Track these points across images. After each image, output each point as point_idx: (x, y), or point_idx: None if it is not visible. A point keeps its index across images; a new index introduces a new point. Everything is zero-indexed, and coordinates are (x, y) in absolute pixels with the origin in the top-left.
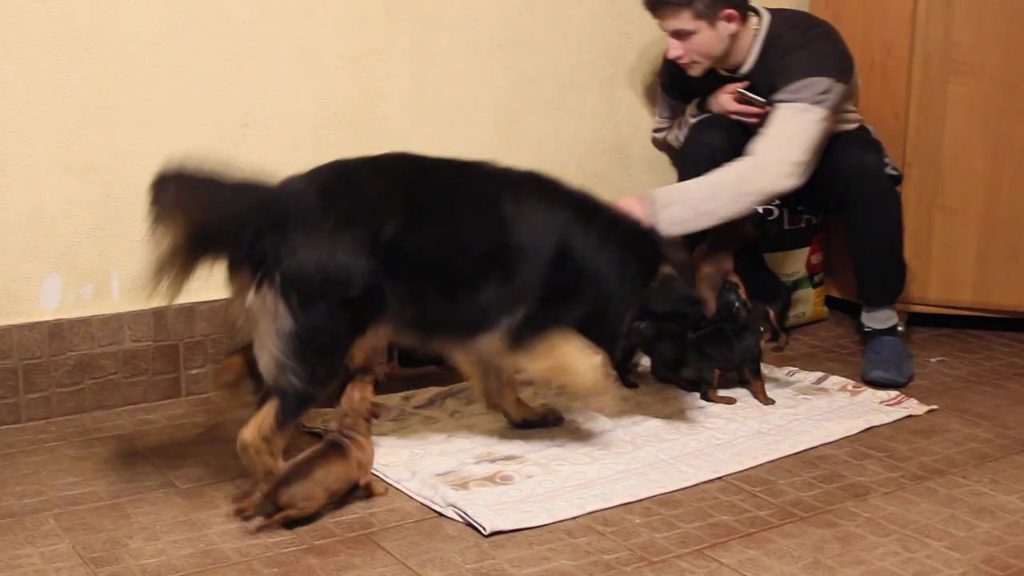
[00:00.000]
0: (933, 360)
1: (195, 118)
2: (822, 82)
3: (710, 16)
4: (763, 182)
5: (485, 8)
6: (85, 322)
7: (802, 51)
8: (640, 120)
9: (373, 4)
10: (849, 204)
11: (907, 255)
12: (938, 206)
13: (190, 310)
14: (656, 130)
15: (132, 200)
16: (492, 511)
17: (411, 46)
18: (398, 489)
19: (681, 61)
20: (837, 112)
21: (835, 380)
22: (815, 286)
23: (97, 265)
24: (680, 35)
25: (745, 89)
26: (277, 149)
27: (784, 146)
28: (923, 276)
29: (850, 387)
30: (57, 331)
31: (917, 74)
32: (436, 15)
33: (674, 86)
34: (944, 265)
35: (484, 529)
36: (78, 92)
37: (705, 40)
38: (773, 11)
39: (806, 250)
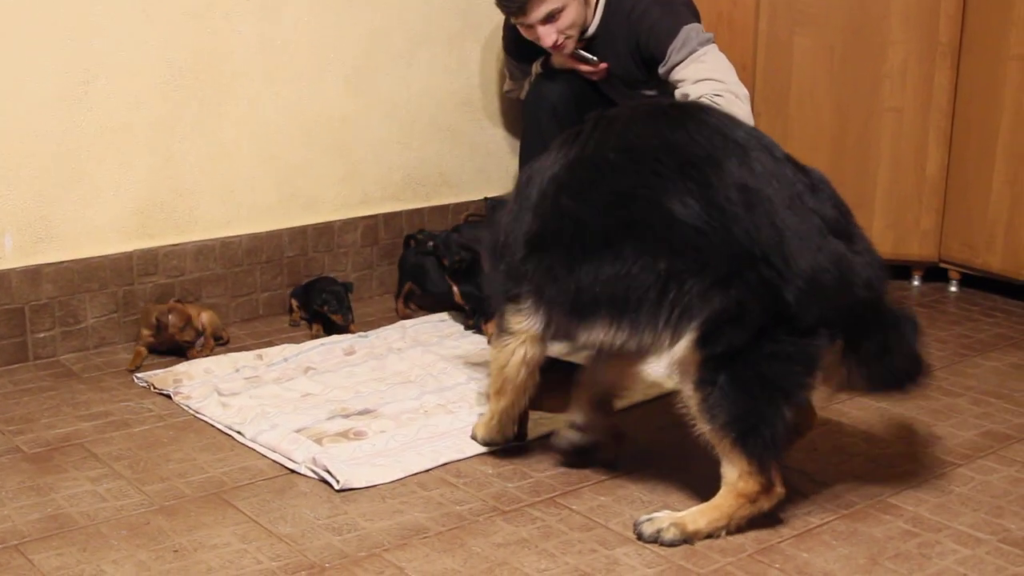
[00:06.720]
0: None
1: (34, 75)
2: (692, 27)
3: None
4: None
5: None
6: None
7: (655, 10)
8: (491, 73)
9: None
10: None
11: None
12: None
13: (35, 272)
14: (508, 91)
15: None
16: (347, 466)
17: (257, 1)
18: (250, 448)
19: (557, 44)
20: None
21: None
22: None
23: None
24: (551, 17)
25: (584, 49)
26: (120, 106)
27: (719, 82)
28: None
29: None
30: None
31: (763, 25)
32: None
33: (516, 49)
34: None
35: (337, 483)
36: None
37: (574, 10)
38: None
39: None
